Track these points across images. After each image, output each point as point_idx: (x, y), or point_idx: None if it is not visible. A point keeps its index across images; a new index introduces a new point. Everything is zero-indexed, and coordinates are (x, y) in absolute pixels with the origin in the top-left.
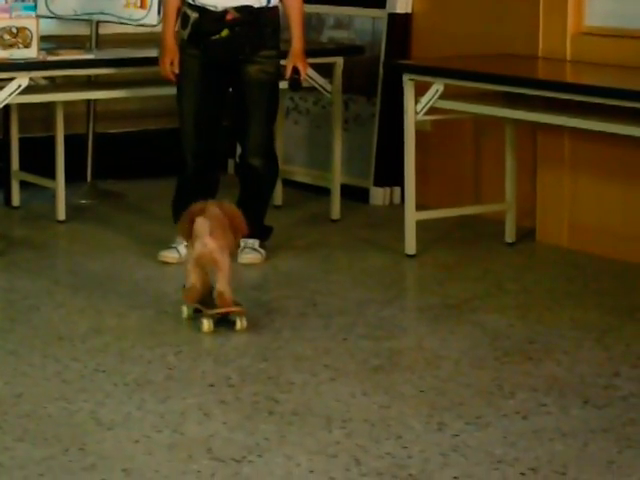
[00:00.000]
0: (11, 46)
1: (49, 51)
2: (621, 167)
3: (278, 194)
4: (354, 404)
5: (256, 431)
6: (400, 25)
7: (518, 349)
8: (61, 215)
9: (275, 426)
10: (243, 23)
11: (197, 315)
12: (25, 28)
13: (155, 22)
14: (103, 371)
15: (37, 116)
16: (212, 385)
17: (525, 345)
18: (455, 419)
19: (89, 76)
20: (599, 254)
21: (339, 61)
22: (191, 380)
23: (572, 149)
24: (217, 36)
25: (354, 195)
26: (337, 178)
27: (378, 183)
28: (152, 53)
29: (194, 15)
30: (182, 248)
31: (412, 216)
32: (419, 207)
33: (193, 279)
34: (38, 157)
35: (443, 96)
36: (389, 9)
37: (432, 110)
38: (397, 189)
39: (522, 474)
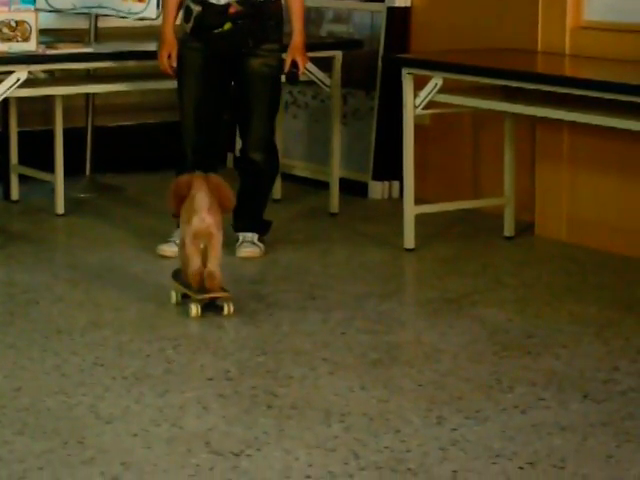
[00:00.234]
0: (10, 39)
1: (48, 44)
2: (620, 161)
3: (277, 188)
4: (353, 398)
5: (255, 425)
6: (399, 19)
7: (517, 343)
8: (60, 209)
9: (274, 420)
10: (246, 16)
11: (185, 301)
12: (24, 21)
13: (154, 16)
14: (102, 365)
15: (36, 110)
16: (211, 379)
17: (524, 339)
18: (454, 413)
19: (88, 70)
20: (598, 248)
21: (338, 55)
22: (190, 374)
23: (571, 143)
24: (220, 29)
25: (353, 189)
26: (336, 172)
27: (377, 177)
28: (151, 47)
29: (197, 9)
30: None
31: (411, 210)
32: (418, 201)
33: (197, 261)
34: (37, 151)
35: (442, 90)
36: (388, 3)
37: (431, 104)
38: (396, 183)
39: (521, 468)
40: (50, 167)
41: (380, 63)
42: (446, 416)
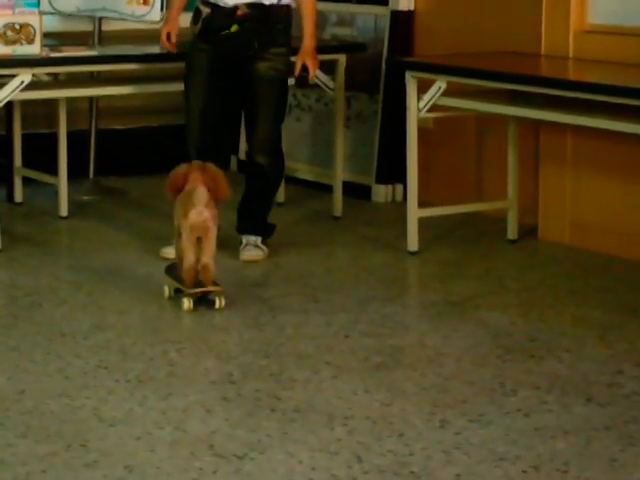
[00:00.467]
0: (14, 42)
1: (52, 47)
2: (623, 165)
3: (280, 191)
4: (356, 401)
5: (258, 428)
6: (403, 22)
7: (520, 347)
8: (63, 211)
9: (277, 423)
10: (253, 19)
11: (178, 295)
12: (28, 24)
13: (158, 19)
14: (105, 368)
15: (40, 112)
16: (214, 382)
17: (527, 343)
18: (457, 417)
19: (92, 72)
20: (601, 252)
21: (342, 58)
22: (193, 377)
23: (574, 147)
24: (226, 31)
25: (356, 192)
26: (339, 175)
27: (380, 180)
28: (155, 50)
29: (206, 10)
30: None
31: (414, 213)
32: (421, 204)
33: (192, 258)
34: (41, 153)
35: (445, 93)
36: (392, 6)
37: (434, 107)
38: (399, 186)
39: (524, 472)
40: (54, 170)
41: (384, 66)
42: (449, 419)
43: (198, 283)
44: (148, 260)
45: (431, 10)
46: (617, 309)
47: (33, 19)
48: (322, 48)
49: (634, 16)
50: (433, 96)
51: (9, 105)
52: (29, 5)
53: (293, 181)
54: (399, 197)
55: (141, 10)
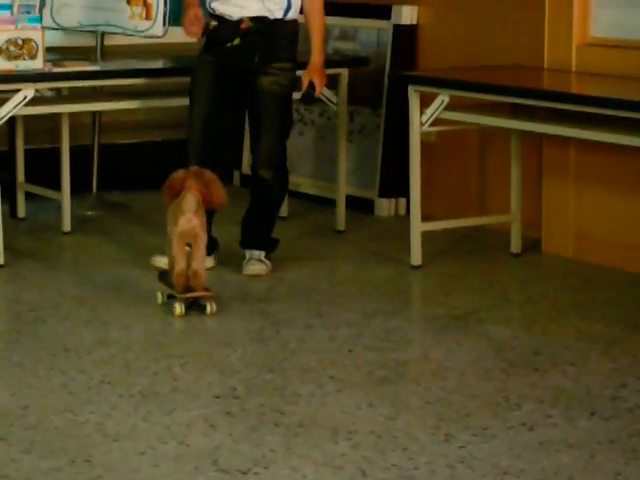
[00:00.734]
0: (17, 57)
1: (55, 62)
2: (626, 178)
3: (284, 205)
4: (360, 415)
5: (262, 443)
6: (405, 36)
7: (524, 360)
8: (66, 226)
9: (281, 438)
10: (256, 33)
11: (170, 301)
12: (31, 39)
13: (160, 33)
14: (109, 383)
15: (42, 127)
16: (218, 397)
17: (531, 356)
18: (461, 430)
19: (94, 87)
20: (605, 265)
21: (344, 72)
22: (197, 392)
23: (577, 160)
24: (230, 44)
25: (359, 206)
26: (342, 189)
27: (383, 194)
28: (157, 64)
29: (213, 23)
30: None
31: (417, 227)
32: (424, 218)
33: (182, 264)
34: (43, 168)
35: (448, 107)
36: (394, 20)
37: (437, 121)
38: (402, 200)
39: None
40: (57, 185)
41: (386, 80)
42: (454, 433)
43: (189, 289)
44: (151, 275)
45: (434, 24)
46: (621, 322)
47: (35, 34)
48: (325, 62)
49: (637, 29)
50: (436, 110)
51: (12, 120)
52: (32, 20)
53: (296, 195)
54: (402, 211)
55: (143, 25)
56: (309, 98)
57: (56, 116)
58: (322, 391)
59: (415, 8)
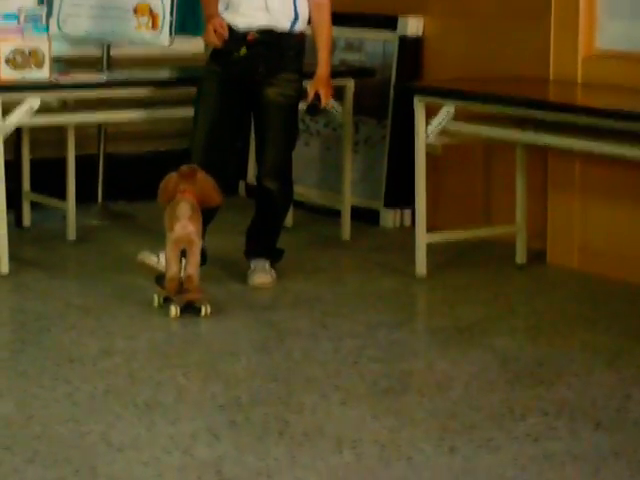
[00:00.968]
0: (23, 67)
1: (61, 72)
2: (632, 190)
3: (289, 216)
4: (364, 426)
5: (266, 453)
6: (411, 47)
7: (529, 372)
8: (72, 236)
9: (285, 448)
10: (262, 44)
11: (167, 303)
12: (37, 49)
13: (167, 43)
14: (113, 393)
15: (48, 137)
16: (222, 406)
17: (536, 368)
18: (466, 442)
19: (101, 97)
20: (610, 277)
21: (350, 83)
22: (201, 401)
23: (583, 172)
24: (236, 54)
25: (364, 217)
26: (347, 200)
27: (388, 205)
28: (164, 74)
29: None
30: (163, 258)
31: (423, 238)
32: (430, 229)
33: (175, 269)
34: (49, 178)
35: (454, 118)
36: (400, 32)
37: (443, 132)
38: (407, 211)
39: None
40: (62, 194)
41: (392, 91)
42: (458, 445)
43: (182, 292)
44: (156, 285)
45: (439, 35)
46: (625, 334)
47: (42, 44)
48: (330, 73)
49: None
50: (441, 121)
51: (18, 130)
52: (38, 30)
53: (301, 206)
54: (407, 222)
55: (150, 35)
56: (314, 110)
57: (62, 126)
58: (326, 401)
59: (421, 19)
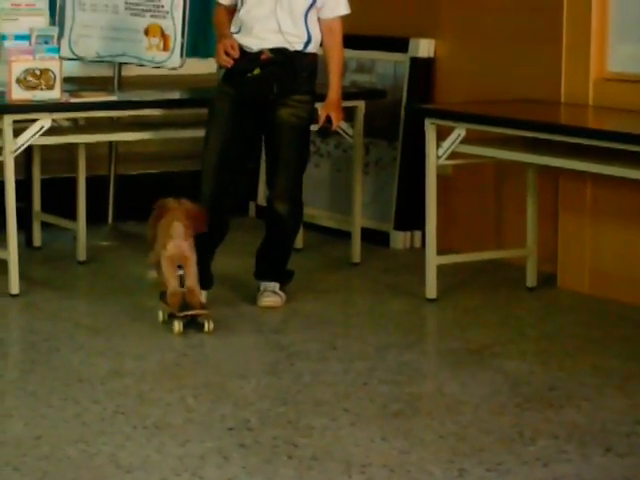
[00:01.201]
0: (34, 87)
1: (72, 93)
2: None
3: (299, 237)
4: (374, 449)
5: (275, 475)
6: (422, 69)
7: (539, 395)
8: (82, 256)
9: (294, 471)
10: (276, 63)
11: (171, 319)
12: (48, 70)
13: (177, 64)
14: (122, 413)
15: (59, 157)
16: (231, 429)
17: (546, 391)
18: (475, 465)
19: (111, 118)
20: (620, 300)
21: (361, 105)
22: (210, 423)
23: (594, 195)
24: (249, 74)
25: (375, 239)
26: (358, 221)
27: (399, 227)
28: (174, 95)
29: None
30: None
31: (433, 260)
32: (440, 251)
33: (174, 284)
34: (60, 198)
35: (465, 140)
36: (411, 53)
37: (453, 154)
38: (418, 233)
39: None
40: (72, 215)
41: (403, 113)
42: (467, 468)
43: (185, 306)
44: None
45: (451, 57)
46: (636, 358)
47: (53, 64)
48: (341, 94)
49: None
50: (452, 143)
51: (29, 150)
52: (49, 51)
53: (312, 227)
54: (418, 244)
55: (161, 56)
56: (326, 133)
57: (72, 146)
58: (336, 424)
59: (432, 41)
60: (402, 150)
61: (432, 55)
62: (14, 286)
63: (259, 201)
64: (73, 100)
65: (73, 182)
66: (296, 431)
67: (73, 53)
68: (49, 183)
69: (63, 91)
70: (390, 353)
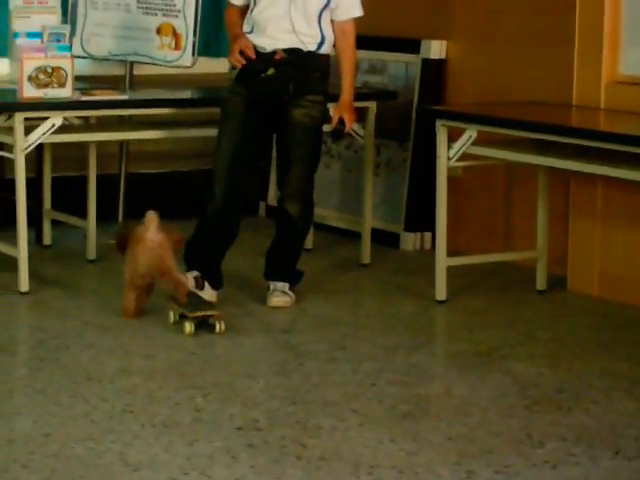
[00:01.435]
0: (46, 86)
1: (83, 91)
2: None
3: (309, 238)
4: (382, 450)
5: (283, 475)
6: (434, 71)
7: (548, 398)
8: (92, 255)
9: (302, 471)
10: (289, 63)
11: (181, 320)
12: (60, 68)
13: (189, 63)
14: (131, 412)
15: (70, 155)
16: (240, 428)
17: (555, 394)
18: (484, 468)
19: (122, 116)
20: (630, 303)
21: (372, 106)
22: (219, 423)
23: (605, 197)
24: (263, 74)
25: (385, 240)
26: (368, 222)
27: (409, 228)
28: (186, 94)
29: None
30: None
31: (443, 262)
32: (450, 253)
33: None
34: (70, 196)
35: (476, 142)
36: (423, 55)
37: (464, 156)
38: (428, 234)
39: None
40: (83, 213)
41: (414, 114)
42: (476, 470)
43: (196, 306)
44: (176, 305)
45: (462, 59)
46: None
47: (65, 63)
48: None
49: None
50: (463, 145)
51: (40, 148)
52: (61, 49)
53: (322, 228)
54: (427, 245)
55: (173, 55)
56: (339, 134)
57: (83, 144)
58: (344, 425)
59: (444, 43)
60: (413, 151)
61: (444, 56)
62: (24, 284)
63: (269, 201)
64: (84, 98)
65: (84, 180)
66: (304, 431)
67: (85, 51)
68: (60, 181)
69: (74, 89)
70: (399, 354)
